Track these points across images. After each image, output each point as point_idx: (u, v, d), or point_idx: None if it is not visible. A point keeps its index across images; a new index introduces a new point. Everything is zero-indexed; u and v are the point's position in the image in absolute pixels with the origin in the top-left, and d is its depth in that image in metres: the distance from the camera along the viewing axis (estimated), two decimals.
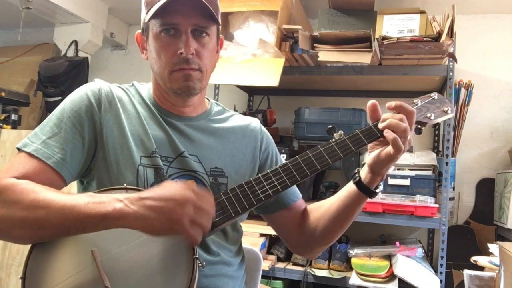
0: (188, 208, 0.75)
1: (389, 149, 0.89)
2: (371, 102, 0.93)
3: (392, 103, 0.91)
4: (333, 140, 0.93)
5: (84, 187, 1.00)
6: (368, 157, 0.95)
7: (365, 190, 0.96)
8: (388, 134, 0.88)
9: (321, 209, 1.06)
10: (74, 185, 1.03)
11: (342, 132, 0.93)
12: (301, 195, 1.16)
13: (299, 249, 1.15)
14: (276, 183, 0.90)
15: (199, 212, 0.76)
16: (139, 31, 1.05)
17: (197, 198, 0.77)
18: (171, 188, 0.78)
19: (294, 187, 1.07)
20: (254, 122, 1.17)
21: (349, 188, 0.99)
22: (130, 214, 0.75)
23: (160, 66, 0.97)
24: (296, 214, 1.12)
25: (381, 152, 0.91)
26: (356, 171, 0.98)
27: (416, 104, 0.99)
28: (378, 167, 0.93)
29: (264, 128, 1.19)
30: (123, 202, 0.76)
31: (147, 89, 1.08)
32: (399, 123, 0.88)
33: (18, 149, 0.91)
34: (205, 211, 0.77)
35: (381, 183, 0.98)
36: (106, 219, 0.75)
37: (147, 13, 0.97)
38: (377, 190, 0.97)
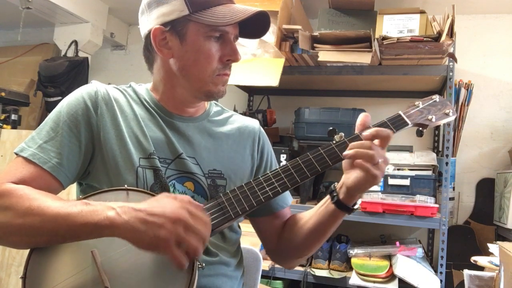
0: (177, 228, 0.73)
1: (365, 176, 0.86)
2: (363, 114, 0.93)
3: (368, 133, 0.89)
4: (334, 142, 0.93)
5: (82, 190, 1.00)
6: (347, 179, 0.91)
7: (343, 208, 0.94)
8: (358, 164, 0.86)
9: (299, 223, 1.06)
10: (73, 187, 1.03)
11: (343, 134, 0.93)
12: (290, 202, 1.15)
13: (275, 257, 1.15)
14: (276, 184, 0.89)
15: (190, 233, 0.75)
16: (158, 26, 0.96)
17: (191, 218, 0.75)
18: (167, 203, 0.77)
19: (287, 192, 1.06)
20: (253, 123, 1.17)
21: (327, 205, 0.97)
22: (121, 224, 0.75)
23: (203, 69, 0.97)
24: (280, 222, 1.12)
25: (360, 178, 0.88)
26: (333, 187, 0.96)
27: (418, 107, 0.99)
28: (359, 191, 0.91)
29: (262, 130, 1.18)
30: (115, 210, 0.76)
31: (145, 89, 1.07)
32: (365, 152, 0.85)
33: (16, 154, 0.91)
34: (196, 234, 0.75)
35: (359, 199, 0.96)
36: (98, 228, 0.75)
37: (191, 10, 0.93)
38: (355, 207, 0.95)
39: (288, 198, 1.14)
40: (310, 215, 1.03)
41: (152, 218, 0.74)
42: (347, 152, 0.88)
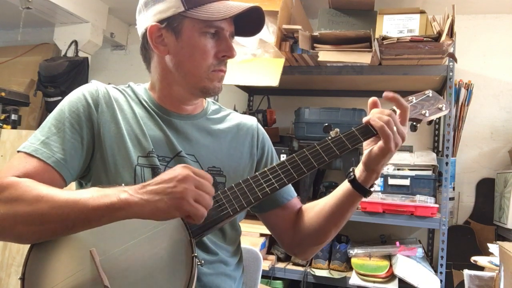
0: (189, 185, 0.75)
1: (381, 141, 0.90)
2: (372, 98, 0.95)
3: (390, 93, 0.93)
4: (329, 137, 0.93)
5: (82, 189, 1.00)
6: (363, 156, 0.95)
7: (360, 189, 0.96)
8: (375, 122, 0.89)
9: (315, 209, 1.06)
10: (73, 187, 1.03)
11: (338, 130, 0.94)
12: (296, 194, 1.15)
13: (293, 249, 1.15)
14: (273, 180, 0.90)
15: (200, 188, 0.77)
16: (154, 23, 0.97)
17: (195, 175, 0.77)
18: (170, 171, 0.78)
19: (289, 186, 1.07)
20: (251, 120, 1.17)
21: (344, 187, 0.99)
22: (135, 202, 0.75)
23: (198, 65, 0.97)
24: (290, 214, 1.12)
25: (374, 147, 0.91)
26: (351, 169, 0.99)
27: (411, 102, 1.00)
28: (373, 163, 0.93)
29: (260, 126, 1.19)
30: (127, 192, 0.77)
31: (143, 89, 1.08)
32: (382, 115, 0.89)
33: (18, 151, 0.91)
34: (205, 189, 0.78)
35: (376, 182, 0.98)
36: (111, 210, 0.75)
37: (186, 6, 0.94)
38: (371, 189, 0.97)
39: (292, 190, 1.14)
40: (326, 200, 1.04)
41: (162, 185, 0.75)
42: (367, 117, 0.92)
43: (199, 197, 0.76)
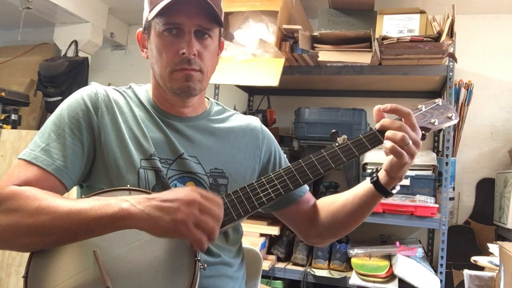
0: (193, 209, 0.74)
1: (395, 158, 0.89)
2: (376, 108, 0.93)
3: (387, 105, 0.91)
4: (337, 144, 0.93)
5: (83, 191, 1.00)
6: (385, 161, 0.95)
7: (382, 190, 0.97)
8: (386, 144, 0.88)
9: (335, 204, 1.08)
10: (74, 189, 1.03)
11: (346, 136, 0.94)
12: (308, 189, 1.16)
13: (311, 240, 1.17)
14: (278, 186, 0.90)
15: (205, 214, 0.75)
16: (140, 29, 1.05)
17: (204, 200, 0.76)
18: (179, 190, 0.78)
19: None
20: (255, 121, 1.17)
21: (366, 186, 1.00)
22: (136, 213, 0.75)
23: (161, 65, 0.97)
24: (306, 208, 1.14)
25: (392, 160, 0.92)
26: (374, 169, 0.99)
27: (420, 110, 0.99)
28: (393, 172, 0.93)
29: (264, 127, 1.19)
30: (129, 202, 0.76)
31: (145, 90, 1.07)
32: (396, 133, 0.88)
33: (19, 159, 0.90)
34: (211, 214, 0.76)
35: (398, 184, 0.98)
36: (113, 220, 0.75)
37: (150, 12, 0.97)
38: (393, 191, 0.98)
39: (304, 186, 1.13)
40: (346, 196, 1.05)
41: (166, 203, 0.75)
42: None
43: (201, 223, 0.74)
